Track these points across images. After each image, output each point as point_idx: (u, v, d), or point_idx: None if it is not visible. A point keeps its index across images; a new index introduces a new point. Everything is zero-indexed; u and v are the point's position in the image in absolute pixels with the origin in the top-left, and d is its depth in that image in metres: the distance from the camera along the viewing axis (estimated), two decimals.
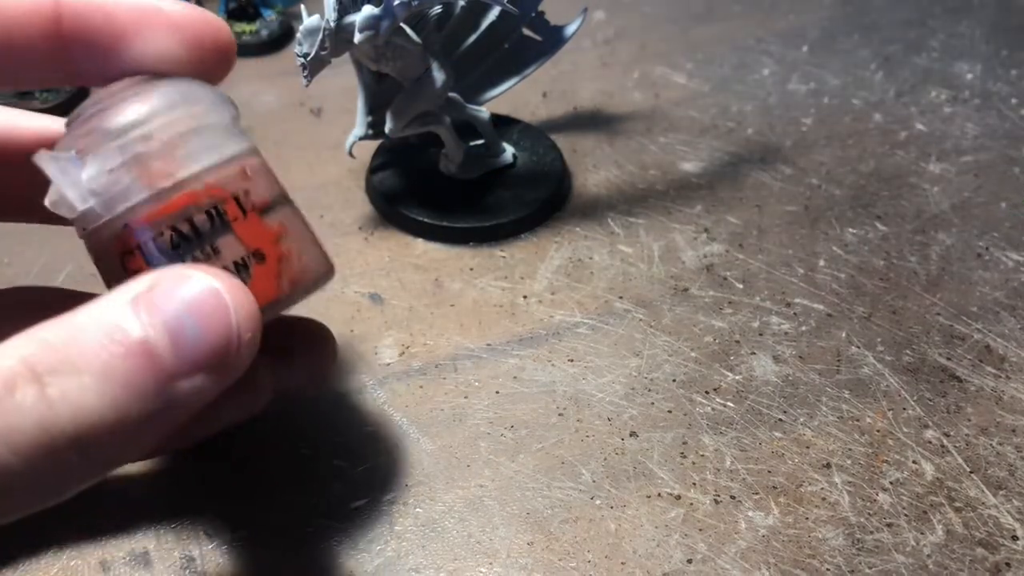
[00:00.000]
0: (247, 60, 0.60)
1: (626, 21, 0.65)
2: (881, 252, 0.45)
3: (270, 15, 0.62)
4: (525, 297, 0.43)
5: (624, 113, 0.55)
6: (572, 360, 0.40)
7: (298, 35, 0.38)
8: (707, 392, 0.38)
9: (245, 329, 0.24)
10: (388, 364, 0.39)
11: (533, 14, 0.46)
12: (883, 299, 0.43)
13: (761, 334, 0.41)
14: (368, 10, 0.37)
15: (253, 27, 0.61)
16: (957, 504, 0.34)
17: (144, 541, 0.33)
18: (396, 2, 0.37)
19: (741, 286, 0.43)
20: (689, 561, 0.32)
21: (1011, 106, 0.56)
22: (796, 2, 0.67)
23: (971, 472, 0.35)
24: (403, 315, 0.42)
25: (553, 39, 0.47)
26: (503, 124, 0.52)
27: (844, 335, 0.41)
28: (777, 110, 0.56)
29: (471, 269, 0.44)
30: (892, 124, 0.55)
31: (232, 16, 0.61)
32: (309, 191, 0.49)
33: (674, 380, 0.39)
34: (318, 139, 0.53)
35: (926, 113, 0.55)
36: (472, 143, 0.49)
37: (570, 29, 0.47)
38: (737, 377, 0.39)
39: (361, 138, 0.46)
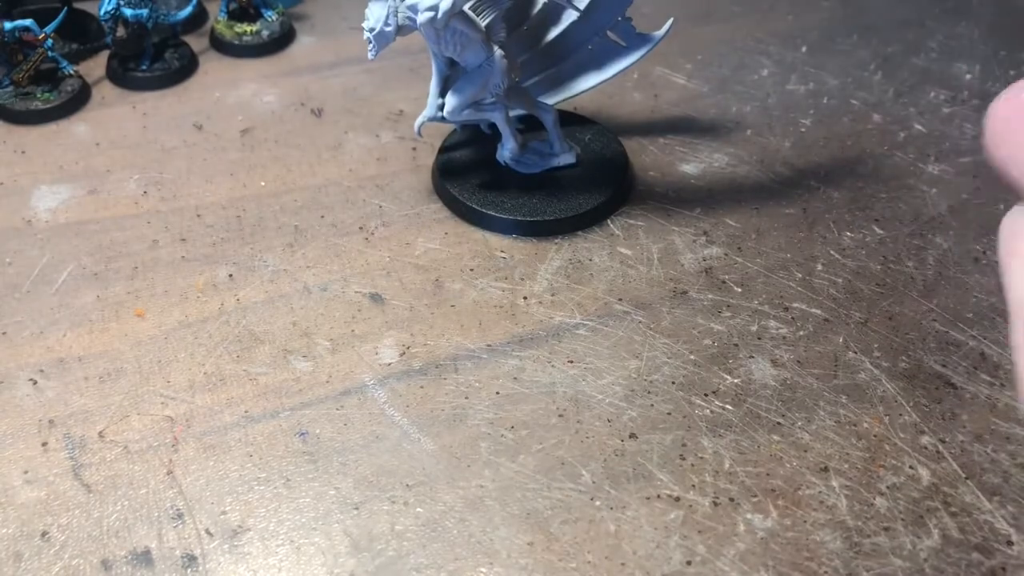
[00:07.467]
0: (248, 61, 0.59)
1: None
2: (878, 256, 0.46)
3: (271, 16, 0.62)
4: (525, 298, 0.43)
5: (624, 113, 0.55)
6: (572, 362, 0.40)
7: (367, 9, 0.40)
8: (706, 395, 0.38)
9: None
10: (389, 364, 0.40)
11: (620, 18, 0.47)
12: (880, 304, 0.43)
13: (759, 338, 0.41)
14: None
15: (254, 28, 0.61)
16: (953, 509, 0.35)
17: (146, 539, 0.33)
18: None
19: (739, 289, 0.43)
20: (688, 563, 0.33)
21: None
22: (795, 3, 0.67)
23: (966, 478, 0.36)
24: (404, 315, 0.42)
25: (637, 44, 0.48)
26: (576, 123, 0.52)
27: (841, 340, 0.41)
28: (776, 111, 0.56)
29: (471, 270, 0.44)
30: (891, 125, 0.55)
31: (233, 17, 0.61)
32: (309, 191, 0.49)
33: (673, 383, 0.39)
34: (318, 139, 0.53)
35: (925, 114, 0.56)
36: (540, 140, 0.49)
37: (657, 35, 0.47)
38: (736, 380, 0.39)
39: (430, 119, 0.46)
